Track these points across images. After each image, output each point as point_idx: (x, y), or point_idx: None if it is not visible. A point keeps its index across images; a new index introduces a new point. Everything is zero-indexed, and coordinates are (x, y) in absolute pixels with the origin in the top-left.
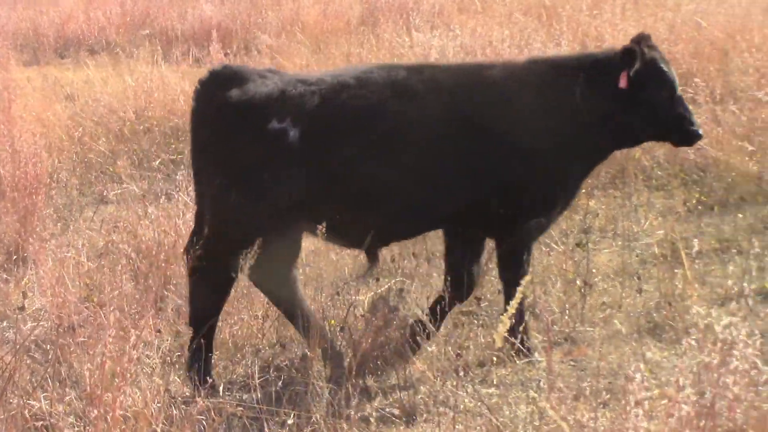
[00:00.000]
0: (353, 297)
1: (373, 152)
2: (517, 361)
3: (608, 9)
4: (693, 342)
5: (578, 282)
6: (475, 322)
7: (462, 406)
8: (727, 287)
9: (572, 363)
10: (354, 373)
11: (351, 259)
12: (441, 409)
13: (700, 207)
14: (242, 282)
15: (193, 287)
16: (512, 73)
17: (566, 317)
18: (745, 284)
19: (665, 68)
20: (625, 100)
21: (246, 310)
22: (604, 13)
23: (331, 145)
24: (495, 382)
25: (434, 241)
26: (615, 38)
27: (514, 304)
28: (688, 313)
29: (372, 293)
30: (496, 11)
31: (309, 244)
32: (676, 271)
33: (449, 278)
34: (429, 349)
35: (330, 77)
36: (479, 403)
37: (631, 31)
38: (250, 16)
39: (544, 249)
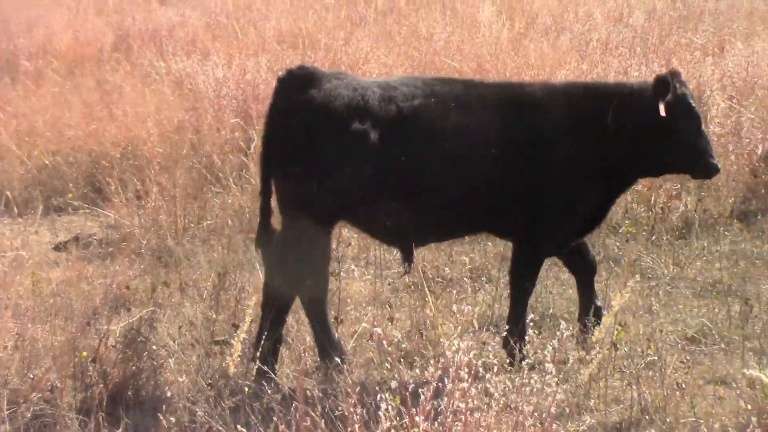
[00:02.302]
0: (105, 327)
1: (435, 155)
2: (269, 390)
3: (361, 38)
4: (441, 370)
5: (331, 312)
6: (227, 351)
7: None
8: (477, 315)
9: (325, 391)
10: (105, 403)
11: (102, 288)
12: None
13: None
14: None
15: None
16: (552, 94)
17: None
18: (494, 312)
19: (694, 103)
20: (655, 130)
21: None
22: (358, 42)
23: (402, 146)
24: (248, 411)
25: (188, 270)
26: (369, 65)
27: (245, 326)
28: (438, 341)
29: (124, 323)
30: (250, 39)
31: (59, 273)
32: (427, 299)
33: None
34: (180, 379)
35: (399, 84)
36: None
37: (383, 59)
38: (0, 42)
39: None
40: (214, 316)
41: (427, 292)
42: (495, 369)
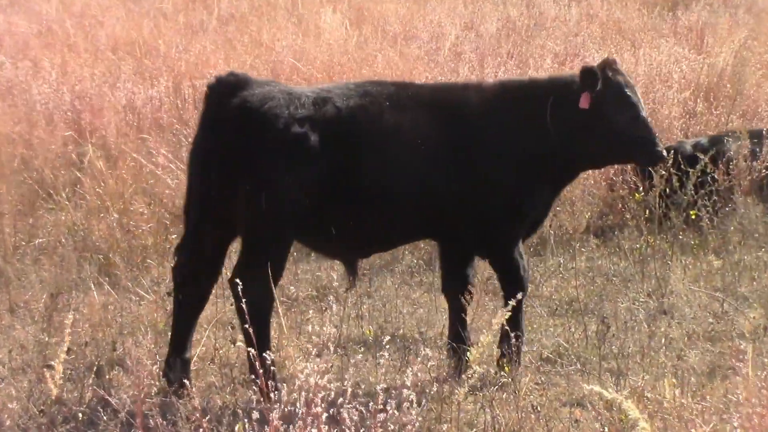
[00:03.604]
0: None
1: (373, 158)
2: (81, 416)
3: (201, 46)
4: (287, 394)
5: (169, 334)
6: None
7: None
8: (324, 336)
9: (165, 416)
10: None
11: None
12: None
13: (296, 253)
14: None
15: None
16: (486, 94)
17: (157, 370)
18: (342, 333)
19: (628, 91)
20: (589, 122)
21: None
22: (198, 50)
23: (341, 149)
24: None
25: (18, 291)
26: (210, 74)
27: (64, 346)
28: (284, 364)
29: None
30: (82, 47)
31: None
32: (272, 319)
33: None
34: (11, 405)
35: (333, 87)
36: None
37: (224, 67)
38: None
39: (134, 298)
40: (47, 339)
41: (279, 312)
42: (348, 394)
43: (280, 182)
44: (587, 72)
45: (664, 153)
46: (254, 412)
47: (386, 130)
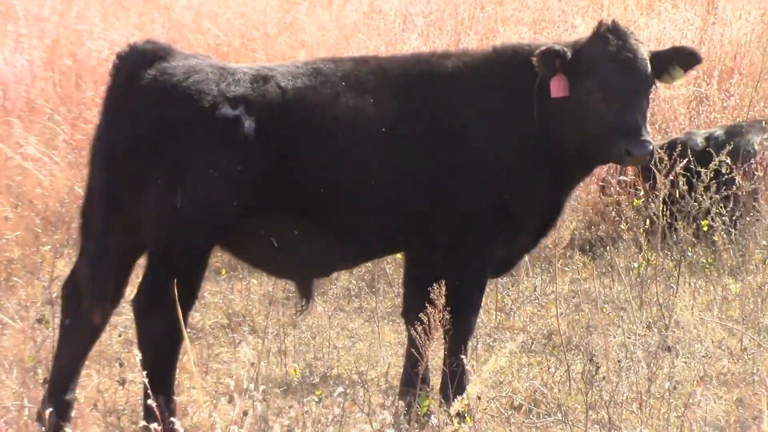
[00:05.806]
0: None
1: (326, 151)
2: None
3: (86, 7)
4: None
5: (39, 371)
6: None
7: None
8: (237, 376)
9: None
10: None
11: None
12: None
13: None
14: None
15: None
16: (466, 65)
17: (25, 418)
18: (260, 371)
19: (604, 65)
20: (559, 105)
21: None
22: (76, 11)
23: (284, 138)
24: None
25: None
26: (95, 46)
27: None
28: (186, 411)
29: None
30: None
31: None
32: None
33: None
34: None
35: (277, 65)
36: None
37: (117, 37)
38: None
39: None
40: None
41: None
42: None
43: (201, 176)
44: (542, 56)
45: (649, 148)
46: None
47: (343, 115)
